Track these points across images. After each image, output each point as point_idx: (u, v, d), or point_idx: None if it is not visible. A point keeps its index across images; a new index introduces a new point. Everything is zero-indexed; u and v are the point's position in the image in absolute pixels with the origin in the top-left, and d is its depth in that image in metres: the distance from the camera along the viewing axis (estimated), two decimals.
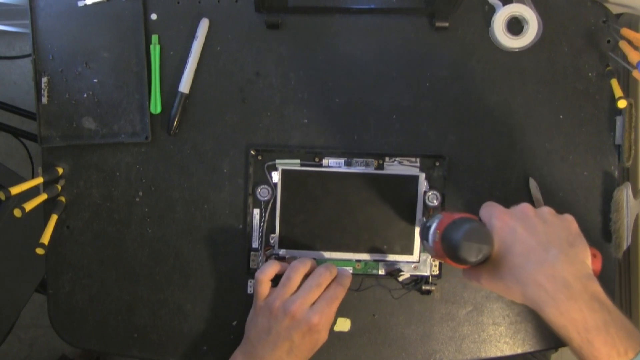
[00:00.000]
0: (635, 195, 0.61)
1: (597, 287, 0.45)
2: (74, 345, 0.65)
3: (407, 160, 0.61)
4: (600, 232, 0.62)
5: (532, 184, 0.62)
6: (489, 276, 0.47)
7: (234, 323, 0.64)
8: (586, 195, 0.62)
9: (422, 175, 0.60)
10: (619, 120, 0.61)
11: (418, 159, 0.62)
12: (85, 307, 0.64)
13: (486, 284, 0.48)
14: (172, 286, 0.63)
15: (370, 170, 0.61)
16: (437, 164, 0.61)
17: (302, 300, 0.54)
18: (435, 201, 0.61)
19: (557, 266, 0.44)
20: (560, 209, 0.62)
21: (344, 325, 0.63)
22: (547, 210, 0.48)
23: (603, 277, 0.62)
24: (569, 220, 0.49)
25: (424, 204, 0.61)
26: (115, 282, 0.64)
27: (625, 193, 0.60)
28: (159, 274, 0.64)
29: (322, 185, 0.58)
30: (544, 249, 0.45)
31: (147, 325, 0.62)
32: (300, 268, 0.55)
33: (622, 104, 0.59)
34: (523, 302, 0.46)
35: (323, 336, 0.55)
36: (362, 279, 0.62)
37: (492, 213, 0.48)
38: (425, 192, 0.61)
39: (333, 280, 0.56)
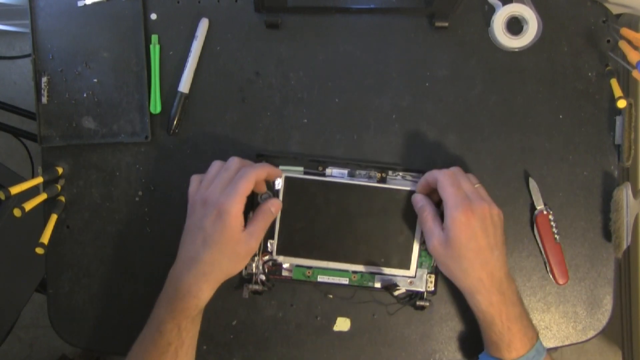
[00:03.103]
0: (635, 195, 0.61)
1: (515, 285, 0.55)
2: (74, 345, 0.65)
3: (410, 175, 0.61)
4: (600, 232, 0.62)
5: (532, 184, 0.62)
6: (439, 246, 0.53)
7: (234, 323, 0.64)
8: (586, 195, 0.62)
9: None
10: (618, 120, 0.61)
11: (421, 174, 0.61)
12: (85, 307, 0.64)
13: (432, 249, 0.54)
14: None
15: (373, 182, 0.60)
16: None
17: (214, 187, 0.53)
18: None
19: (497, 266, 0.54)
20: (560, 209, 0.62)
21: (343, 325, 0.63)
22: (496, 213, 0.55)
23: (603, 277, 0.63)
24: (502, 222, 0.56)
25: None
26: (115, 282, 0.64)
27: (625, 193, 0.60)
28: (159, 273, 0.64)
29: (324, 195, 0.57)
30: (490, 250, 0.53)
31: None
32: (217, 163, 0.56)
33: (621, 103, 0.59)
34: (457, 283, 0.55)
35: (234, 223, 0.52)
36: (355, 291, 0.62)
37: (459, 204, 0.52)
38: None
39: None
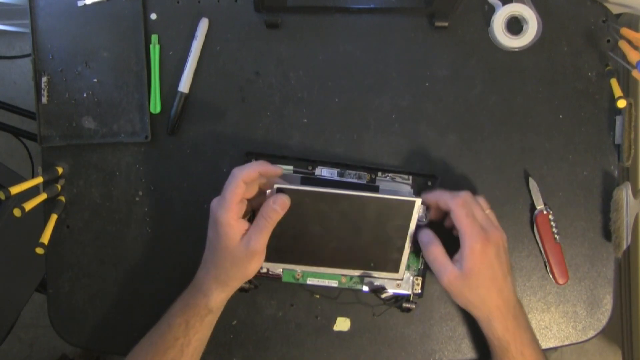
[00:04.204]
0: (634, 194, 0.61)
1: (524, 311, 0.57)
2: (74, 344, 0.65)
3: (400, 177, 0.61)
4: (600, 231, 0.62)
5: (532, 184, 0.62)
6: (455, 279, 0.54)
7: (234, 323, 0.64)
8: (586, 195, 0.62)
9: (419, 201, 0.56)
10: (618, 119, 0.61)
11: (410, 177, 0.61)
12: (85, 306, 0.64)
13: (447, 282, 0.54)
14: (172, 286, 0.63)
15: (363, 184, 0.60)
16: (430, 183, 0.61)
17: (218, 196, 0.53)
18: (425, 219, 0.58)
19: (511, 292, 0.55)
20: (560, 208, 0.62)
21: (343, 325, 0.63)
22: (505, 239, 0.56)
23: (603, 277, 0.62)
24: (507, 247, 0.57)
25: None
26: (115, 281, 0.64)
27: (624, 193, 0.60)
28: (159, 273, 0.64)
29: (316, 204, 0.55)
30: (504, 278, 0.54)
31: (147, 325, 0.62)
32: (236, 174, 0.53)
33: (621, 103, 0.59)
34: (472, 311, 0.56)
35: (229, 231, 0.52)
36: (339, 291, 0.62)
37: (476, 235, 0.53)
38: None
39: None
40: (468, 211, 0.54)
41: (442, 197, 0.56)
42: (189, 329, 0.54)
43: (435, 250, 0.55)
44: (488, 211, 0.57)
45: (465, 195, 0.55)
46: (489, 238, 0.53)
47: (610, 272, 0.63)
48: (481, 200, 0.57)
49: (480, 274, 0.53)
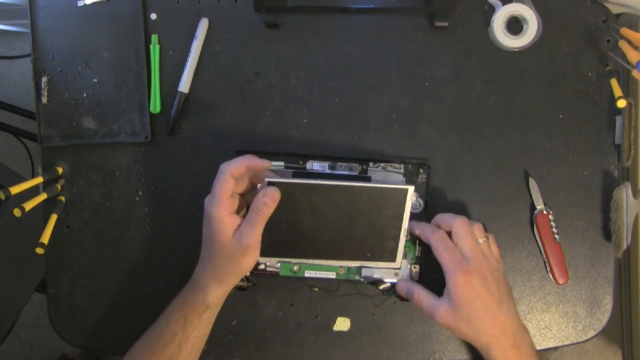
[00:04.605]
0: (634, 195, 0.61)
1: (529, 336, 0.55)
2: (74, 344, 0.65)
3: (391, 166, 0.61)
4: (600, 232, 0.62)
5: (532, 184, 0.62)
6: (446, 315, 0.54)
7: (234, 323, 0.64)
8: (586, 195, 0.62)
9: (412, 189, 0.56)
10: (618, 119, 0.61)
11: (402, 165, 0.61)
12: (85, 306, 0.64)
13: (440, 320, 0.54)
14: (172, 286, 0.63)
15: (354, 176, 0.60)
16: (421, 170, 0.61)
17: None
18: (418, 207, 0.60)
19: (507, 319, 0.53)
20: (560, 208, 0.62)
21: (343, 325, 0.63)
22: (495, 267, 0.55)
23: (603, 277, 0.62)
24: (504, 274, 0.57)
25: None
26: (115, 281, 0.64)
27: (624, 193, 0.60)
28: (159, 273, 0.64)
29: (308, 197, 0.55)
30: (498, 306, 0.53)
31: (147, 325, 0.62)
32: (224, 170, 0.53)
33: (621, 103, 0.59)
34: (472, 343, 0.55)
35: (220, 227, 0.52)
36: (339, 283, 0.62)
37: (456, 267, 0.53)
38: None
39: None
40: (446, 244, 0.54)
41: (424, 232, 0.57)
42: (187, 325, 0.54)
43: (418, 295, 0.56)
44: (482, 240, 0.56)
45: (459, 221, 0.55)
46: (471, 269, 0.53)
47: (610, 272, 0.63)
48: (476, 228, 0.56)
49: (469, 305, 0.52)
